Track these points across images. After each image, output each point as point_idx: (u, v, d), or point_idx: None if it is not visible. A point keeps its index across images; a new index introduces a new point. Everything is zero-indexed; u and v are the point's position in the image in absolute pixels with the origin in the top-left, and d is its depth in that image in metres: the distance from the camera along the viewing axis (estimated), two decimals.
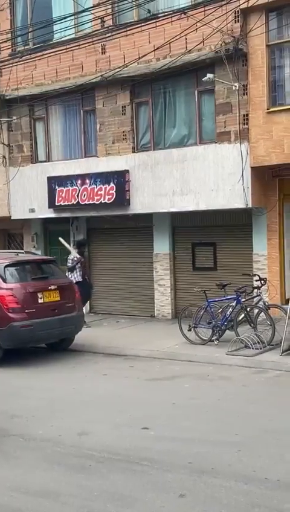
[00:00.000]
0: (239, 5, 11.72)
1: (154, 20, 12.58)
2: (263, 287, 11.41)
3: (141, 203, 13.83)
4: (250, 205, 12.40)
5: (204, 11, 11.81)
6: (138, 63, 13.31)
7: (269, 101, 12.11)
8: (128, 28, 13.08)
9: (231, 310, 10.96)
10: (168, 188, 13.38)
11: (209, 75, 12.21)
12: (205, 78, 12.23)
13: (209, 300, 11.28)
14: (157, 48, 12.90)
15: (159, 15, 12.57)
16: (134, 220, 14.46)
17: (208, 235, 13.87)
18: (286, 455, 5.83)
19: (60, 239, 14.15)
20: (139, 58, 13.15)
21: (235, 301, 10.97)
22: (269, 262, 12.83)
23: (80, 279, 13.35)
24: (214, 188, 12.77)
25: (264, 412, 7.31)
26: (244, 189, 12.30)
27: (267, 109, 12.05)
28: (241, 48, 12.04)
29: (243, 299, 11.07)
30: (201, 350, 10.72)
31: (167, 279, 14.41)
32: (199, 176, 12.97)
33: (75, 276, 13.34)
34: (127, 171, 13.91)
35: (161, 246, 14.44)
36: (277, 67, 12.16)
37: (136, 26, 12.99)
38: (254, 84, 12.16)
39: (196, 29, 12.13)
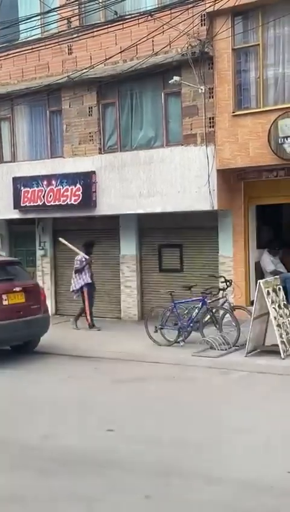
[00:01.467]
0: (205, 9, 11.79)
1: (121, 22, 12.57)
2: (228, 288, 11.49)
3: (107, 204, 13.80)
4: (216, 207, 12.49)
5: (171, 13, 11.86)
6: (104, 64, 13.29)
7: (235, 105, 12.21)
8: (95, 29, 13.04)
9: (196, 311, 11.01)
10: (135, 190, 13.39)
11: (176, 78, 12.27)
12: (172, 80, 12.28)
13: (175, 302, 11.31)
14: (124, 50, 12.90)
15: (126, 17, 12.56)
16: (100, 221, 14.41)
17: (174, 236, 13.92)
18: (251, 455, 5.87)
19: (61, 239, 13.62)
20: (106, 59, 13.14)
21: (201, 303, 11.02)
22: (234, 264, 12.94)
23: (90, 281, 12.97)
24: (180, 190, 12.82)
25: (229, 412, 7.36)
26: (210, 192, 12.38)
27: (233, 112, 12.15)
28: (208, 51, 12.13)
29: (209, 301, 11.13)
30: (167, 351, 10.74)
31: (134, 281, 14.41)
32: (166, 178, 13.00)
33: (84, 278, 12.89)
34: (93, 172, 13.87)
35: (128, 248, 14.44)
36: (243, 71, 12.27)
37: (103, 27, 12.96)
38: (220, 88, 12.25)
39: (163, 31, 12.17)
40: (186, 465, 5.66)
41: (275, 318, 9.66)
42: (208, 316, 11.03)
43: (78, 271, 12.92)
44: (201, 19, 12.11)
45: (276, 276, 10.75)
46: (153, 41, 12.49)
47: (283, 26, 11.67)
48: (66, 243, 13.44)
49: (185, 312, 11.25)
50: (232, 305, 11.35)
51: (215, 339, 10.33)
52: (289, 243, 14.18)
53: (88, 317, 13.03)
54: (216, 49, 12.16)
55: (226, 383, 8.90)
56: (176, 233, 13.89)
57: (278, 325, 9.67)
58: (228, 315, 11.02)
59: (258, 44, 11.89)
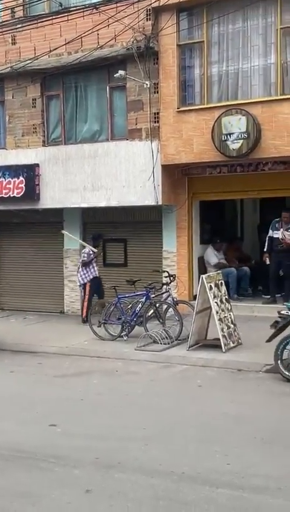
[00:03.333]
0: (150, 4, 11.82)
1: (66, 14, 12.47)
2: (171, 283, 11.58)
3: (51, 197, 13.67)
4: (160, 203, 12.56)
5: (116, 7, 11.84)
6: (49, 56, 13.15)
7: (180, 101, 12.29)
8: (39, 20, 12.89)
9: (140, 305, 11.05)
10: (80, 183, 13.31)
11: (121, 72, 12.25)
12: (117, 74, 12.26)
13: (119, 296, 11.32)
14: (68, 42, 12.79)
15: (71, 9, 12.47)
16: (44, 214, 14.26)
17: (118, 231, 13.91)
18: (191, 448, 5.96)
19: (64, 232, 13.19)
20: (50, 51, 13.01)
21: (144, 297, 11.07)
22: (178, 259, 13.05)
23: (96, 275, 12.62)
24: (125, 184, 12.83)
25: (171, 405, 7.43)
26: (155, 187, 12.43)
27: (178, 108, 12.23)
28: (153, 46, 12.16)
29: (153, 295, 11.19)
30: (110, 346, 10.75)
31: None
32: (111, 172, 12.98)
33: (92, 272, 12.52)
34: (37, 165, 13.71)
35: (71, 242, 14.32)
36: (187, 67, 12.36)
37: (48, 18, 12.82)
38: (164, 83, 12.31)
39: (108, 25, 12.13)
40: (129, 459, 5.69)
41: (217, 312, 9.80)
42: (152, 311, 11.10)
43: (86, 264, 12.48)
44: (146, 14, 12.13)
45: (219, 271, 10.91)
46: (98, 34, 12.42)
47: (227, 23, 11.81)
48: (70, 235, 13.02)
49: (129, 306, 11.28)
50: (175, 299, 11.43)
51: (158, 333, 10.41)
52: (232, 239, 14.44)
53: (84, 310, 12.58)
54: (161, 45, 12.20)
55: (168, 376, 8.97)
56: (121, 228, 13.89)
57: (220, 319, 9.82)
58: (171, 309, 11.11)
59: (203, 41, 11.99)
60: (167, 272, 11.85)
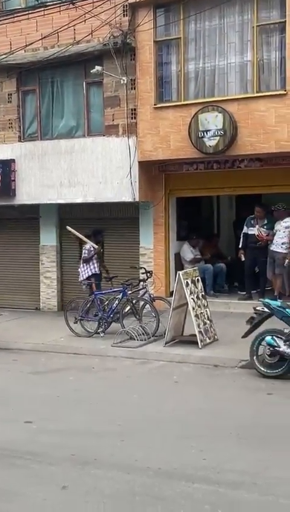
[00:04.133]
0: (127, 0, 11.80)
1: (42, 9, 12.38)
2: (148, 279, 11.59)
3: (27, 193, 13.58)
4: (137, 199, 12.55)
5: (93, 2, 11.77)
6: (25, 51, 13.05)
7: (157, 97, 12.29)
8: (15, 15, 12.78)
9: (117, 302, 11.05)
10: (56, 179, 13.25)
11: (98, 67, 12.20)
12: (93, 70, 12.21)
13: (95, 293, 11.30)
14: (45, 37, 12.70)
15: (48, 3, 12.38)
16: (20, 210, 14.16)
17: (95, 227, 13.84)
18: (167, 444, 5.97)
19: (69, 228, 12.79)
20: (26, 45, 12.90)
21: (121, 294, 11.06)
22: (155, 256, 13.06)
23: (97, 271, 12.20)
24: (102, 180, 12.79)
25: (147, 401, 7.45)
26: (132, 183, 12.43)
27: (155, 105, 12.22)
28: (130, 42, 12.12)
29: (129, 292, 11.18)
30: (87, 342, 10.73)
31: (54, 272, 14.28)
32: (87, 168, 12.94)
33: (92, 268, 12.12)
34: (13, 160, 13.60)
35: (48, 238, 14.28)
36: (164, 63, 12.36)
37: (24, 13, 12.72)
38: (141, 79, 12.29)
39: (85, 20, 12.07)
40: (105, 455, 5.69)
41: (193, 309, 9.84)
42: (128, 307, 11.09)
43: (86, 261, 12.16)
44: (123, 10, 12.10)
45: (195, 268, 10.94)
46: (74, 29, 12.37)
47: (203, 20, 11.83)
48: (73, 231, 12.67)
49: (106, 303, 11.27)
50: (152, 295, 11.45)
51: (135, 329, 10.41)
52: (208, 235, 14.49)
53: None
54: (138, 41, 12.18)
55: (145, 372, 8.99)
56: (97, 224, 13.81)
57: (196, 316, 9.85)
58: (147, 306, 11.12)
59: (180, 38, 12.00)
60: (144, 268, 11.86)
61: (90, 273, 12.18)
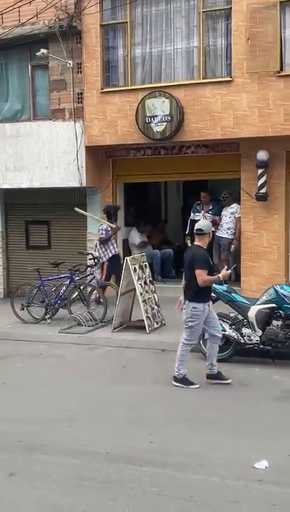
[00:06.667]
0: None
1: None
2: (96, 265, 11.54)
3: None
4: (84, 184, 12.48)
5: None
6: None
7: (103, 81, 12.20)
8: None
9: (64, 288, 10.99)
10: (1, 164, 13.01)
11: (43, 50, 12.00)
12: (39, 53, 11.99)
13: (42, 279, 11.21)
14: None
15: None
16: None
17: (42, 213, 13.74)
18: (115, 428, 6.01)
19: (77, 209, 12.12)
20: None
21: (68, 280, 11.00)
22: None
23: (116, 252, 11.58)
24: (48, 165, 12.65)
25: (95, 387, 7.47)
26: (78, 168, 12.33)
27: (101, 89, 12.13)
28: (76, 25, 11.98)
29: (77, 278, 11.14)
30: (34, 329, 10.65)
31: None
32: (33, 153, 12.76)
33: (111, 249, 11.43)
34: None
35: None
36: (111, 47, 12.26)
37: None
38: (88, 63, 12.17)
39: (30, 2, 11.83)
40: (53, 441, 5.68)
41: (141, 294, 9.88)
42: (76, 293, 11.05)
43: (104, 242, 11.42)
44: None
45: (143, 253, 10.97)
46: (19, 11, 12.11)
47: (150, 5, 11.77)
48: (83, 212, 12.14)
49: (53, 289, 11.19)
50: (99, 282, 11.44)
51: (82, 315, 10.38)
52: (156, 221, 14.55)
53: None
54: (84, 24, 12.04)
55: (92, 358, 9.00)
56: (44, 210, 13.71)
57: (144, 301, 9.90)
58: (95, 291, 11.10)
59: (126, 22, 11.92)
60: (92, 254, 11.81)
61: (110, 255, 11.56)
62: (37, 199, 13.68)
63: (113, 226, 11.65)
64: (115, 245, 11.66)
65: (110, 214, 11.78)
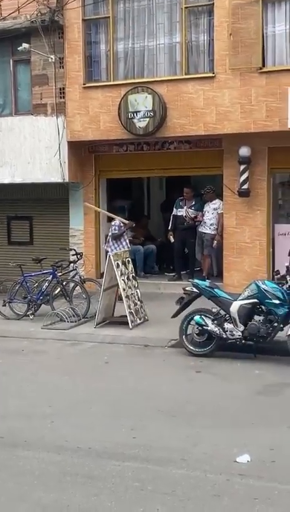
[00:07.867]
0: None
1: None
2: (79, 261, 11.53)
3: None
4: (67, 180, 12.44)
5: None
6: None
7: (85, 76, 12.17)
8: None
9: (47, 284, 10.96)
10: None
11: (25, 45, 11.93)
12: (21, 47, 11.93)
13: (25, 275, 11.16)
14: None
15: None
16: None
17: (24, 208, 13.66)
18: (98, 424, 6.01)
19: (87, 204, 11.94)
20: None
21: (51, 275, 10.97)
22: (85, 237, 13.01)
23: (128, 248, 11.25)
24: (30, 161, 12.59)
25: (77, 383, 7.46)
26: (61, 164, 12.30)
27: (84, 84, 12.10)
28: (58, 20, 11.93)
29: (59, 274, 11.11)
30: (16, 325, 10.61)
31: None
32: (15, 148, 12.70)
33: (124, 245, 11.14)
34: None
35: None
36: (93, 42, 12.24)
37: None
38: (70, 58, 12.12)
39: None
40: (35, 436, 5.67)
41: (124, 290, 9.89)
42: (58, 289, 11.03)
43: (116, 238, 11.12)
44: None
45: (126, 249, 10.96)
46: (0, 5, 12.07)
47: (132, 0, 11.75)
48: (93, 207, 11.83)
49: (35, 285, 11.16)
50: (82, 277, 11.42)
51: (65, 311, 10.36)
52: (138, 217, 14.52)
53: None
54: (66, 19, 11.99)
55: (75, 354, 8.99)
56: (26, 205, 13.64)
57: (127, 297, 9.91)
58: (78, 287, 11.09)
59: (109, 17, 11.89)
60: (74, 249, 11.78)
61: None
62: (19, 195, 13.60)
63: (126, 222, 11.49)
64: (127, 241, 11.50)
65: (123, 209, 11.53)
